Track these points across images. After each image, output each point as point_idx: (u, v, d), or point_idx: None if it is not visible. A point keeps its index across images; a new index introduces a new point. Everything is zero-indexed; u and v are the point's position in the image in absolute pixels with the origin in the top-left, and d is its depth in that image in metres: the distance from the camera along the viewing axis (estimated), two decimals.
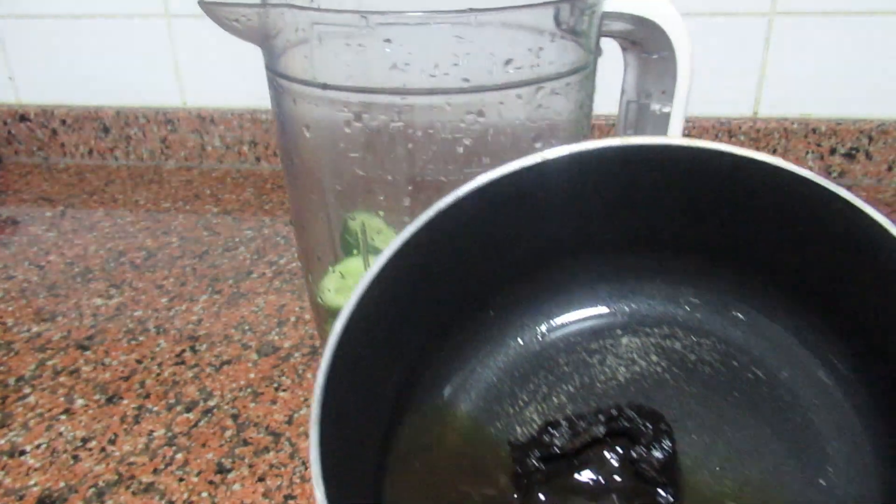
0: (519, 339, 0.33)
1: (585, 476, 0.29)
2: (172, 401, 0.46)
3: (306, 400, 0.46)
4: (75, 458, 0.42)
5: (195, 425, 0.44)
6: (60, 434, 0.44)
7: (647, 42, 0.33)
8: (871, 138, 0.72)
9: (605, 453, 0.29)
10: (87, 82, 0.86)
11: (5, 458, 0.42)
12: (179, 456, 0.42)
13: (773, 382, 0.29)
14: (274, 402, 0.46)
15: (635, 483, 0.28)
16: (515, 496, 0.29)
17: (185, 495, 0.39)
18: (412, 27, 0.26)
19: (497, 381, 0.33)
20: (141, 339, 0.53)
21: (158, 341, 0.52)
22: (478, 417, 0.32)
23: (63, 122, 0.86)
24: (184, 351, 0.51)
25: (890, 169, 0.73)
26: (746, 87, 0.74)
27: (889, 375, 0.26)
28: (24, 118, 0.87)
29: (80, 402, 0.46)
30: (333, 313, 0.34)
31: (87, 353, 0.51)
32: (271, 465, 0.41)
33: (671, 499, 0.28)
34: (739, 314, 0.31)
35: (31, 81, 0.87)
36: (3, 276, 0.62)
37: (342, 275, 0.33)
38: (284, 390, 0.47)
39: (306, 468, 0.41)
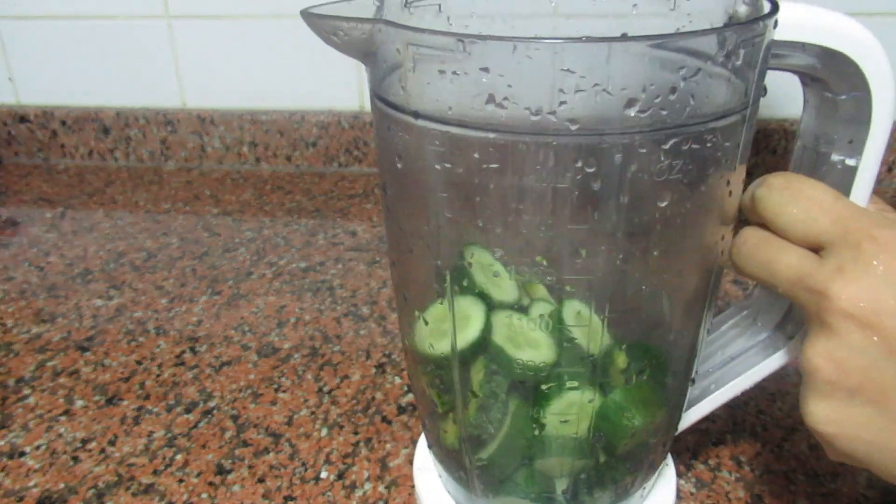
0: None
1: None
2: (172, 402, 0.46)
3: (306, 401, 0.46)
4: (75, 459, 0.42)
5: (195, 426, 0.44)
6: (60, 435, 0.44)
7: (832, 78, 0.28)
8: None
9: None
10: (87, 83, 0.86)
11: (5, 459, 0.42)
12: (179, 457, 0.42)
13: None
14: (274, 402, 0.46)
15: None
16: None
17: (185, 496, 0.39)
18: (512, 55, 0.22)
19: None
20: (141, 340, 0.53)
21: (158, 342, 0.52)
22: None
23: (63, 122, 0.86)
24: (184, 352, 0.51)
25: (890, 170, 0.73)
26: None
27: None
28: (23, 119, 0.87)
29: (79, 403, 0.46)
30: (421, 359, 0.31)
31: (87, 354, 0.51)
32: (271, 466, 0.41)
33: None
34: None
35: (31, 82, 0.87)
36: (3, 277, 0.62)
37: (425, 321, 0.30)
38: (284, 391, 0.47)
39: (306, 469, 0.41)
